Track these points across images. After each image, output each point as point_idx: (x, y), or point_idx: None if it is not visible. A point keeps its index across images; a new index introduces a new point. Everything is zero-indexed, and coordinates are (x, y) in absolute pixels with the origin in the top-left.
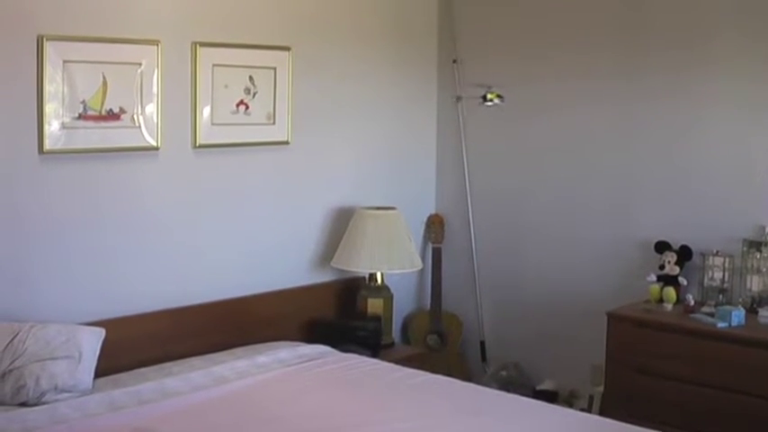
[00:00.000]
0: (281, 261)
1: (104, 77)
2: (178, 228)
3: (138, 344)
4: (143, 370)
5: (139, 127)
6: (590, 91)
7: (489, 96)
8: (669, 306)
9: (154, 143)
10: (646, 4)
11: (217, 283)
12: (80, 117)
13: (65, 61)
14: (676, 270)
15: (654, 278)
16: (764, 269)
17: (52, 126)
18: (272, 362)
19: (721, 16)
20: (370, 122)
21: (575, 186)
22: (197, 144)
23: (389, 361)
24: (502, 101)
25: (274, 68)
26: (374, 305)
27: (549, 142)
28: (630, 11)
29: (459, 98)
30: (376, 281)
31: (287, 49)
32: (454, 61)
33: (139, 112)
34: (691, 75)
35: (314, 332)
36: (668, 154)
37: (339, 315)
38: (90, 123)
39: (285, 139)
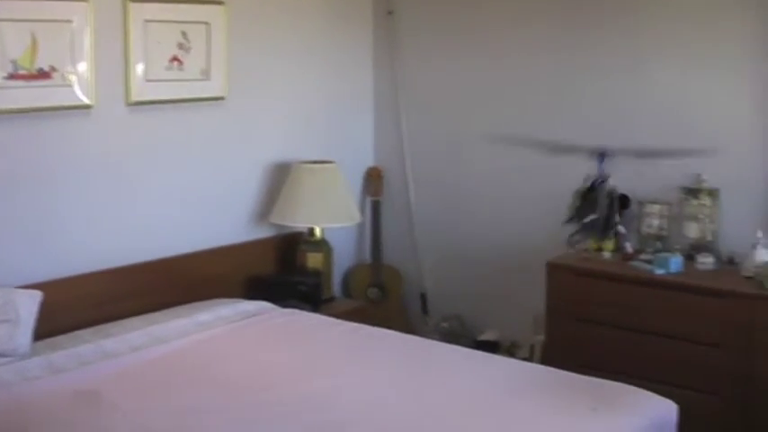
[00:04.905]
0: (220, 218)
1: (34, 36)
2: (113, 186)
3: (76, 305)
4: (81, 332)
5: (71, 85)
6: (528, 39)
7: None
8: (608, 254)
9: (87, 101)
10: None
11: (154, 242)
12: (10, 77)
13: None
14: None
15: None
16: (701, 216)
17: None
18: (212, 319)
19: None
20: (306, 76)
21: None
22: (131, 101)
23: (330, 315)
24: None
25: (208, 23)
26: (314, 259)
27: (486, 92)
28: None
29: (394, 49)
30: (315, 235)
31: (220, 3)
32: (389, 12)
33: (71, 70)
34: (629, 21)
35: (254, 288)
36: (605, 101)
37: (279, 270)
38: (21, 83)
39: (220, 94)
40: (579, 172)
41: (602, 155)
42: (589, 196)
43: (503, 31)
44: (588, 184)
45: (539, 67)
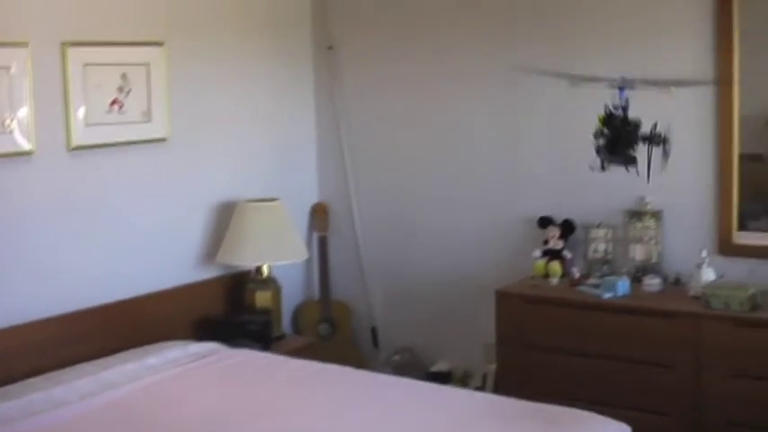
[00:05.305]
0: (166, 259)
1: None
2: (57, 232)
3: (25, 354)
4: (31, 380)
5: (11, 132)
6: (467, 74)
7: None
8: (555, 280)
9: (27, 147)
10: None
11: (102, 287)
12: None
13: None
14: (560, 244)
15: (538, 254)
16: (646, 238)
17: None
18: (161, 363)
19: None
20: (248, 114)
21: (456, 168)
22: (72, 146)
23: (281, 353)
24: None
25: (147, 64)
26: (262, 298)
27: (429, 125)
28: None
29: (335, 84)
30: (262, 273)
31: (159, 44)
32: (330, 47)
33: (11, 116)
34: (565, 49)
35: (203, 330)
36: (545, 130)
37: (228, 310)
38: None
39: (162, 136)
40: (524, 200)
41: (622, 87)
42: (613, 124)
43: (443, 62)
44: (607, 112)
45: (479, 100)
